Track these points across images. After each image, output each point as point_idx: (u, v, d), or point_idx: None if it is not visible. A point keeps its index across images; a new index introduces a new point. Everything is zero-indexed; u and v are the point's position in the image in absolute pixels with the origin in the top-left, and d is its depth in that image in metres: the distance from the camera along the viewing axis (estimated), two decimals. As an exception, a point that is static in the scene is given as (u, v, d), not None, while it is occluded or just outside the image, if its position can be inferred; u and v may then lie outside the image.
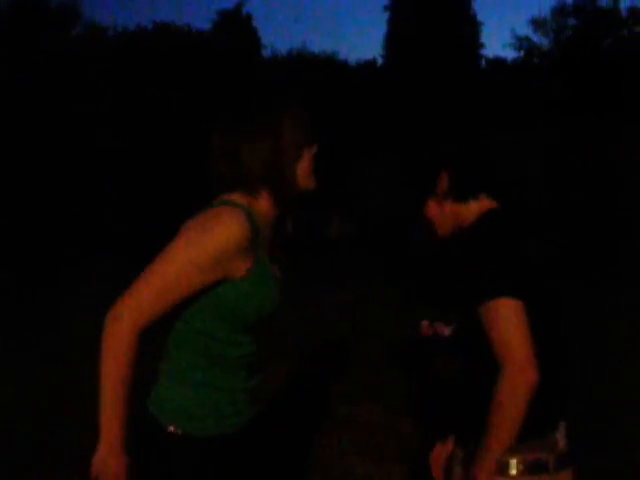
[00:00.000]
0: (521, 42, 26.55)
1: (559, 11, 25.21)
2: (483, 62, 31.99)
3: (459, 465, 2.06)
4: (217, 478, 1.90)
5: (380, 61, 30.17)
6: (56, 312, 7.57)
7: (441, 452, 2.19)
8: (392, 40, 30.58)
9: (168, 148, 14.14)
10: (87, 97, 14.64)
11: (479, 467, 1.86)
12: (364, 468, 4.18)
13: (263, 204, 1.91)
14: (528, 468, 1.83)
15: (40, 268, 10.03)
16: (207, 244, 1.74)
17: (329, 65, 23.79)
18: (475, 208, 2.02)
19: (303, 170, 1.93)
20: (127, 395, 1.79)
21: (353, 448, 4.44)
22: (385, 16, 31.51)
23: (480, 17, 31.73)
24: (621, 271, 8.91)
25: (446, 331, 2.47)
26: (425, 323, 2.52)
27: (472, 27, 31.81)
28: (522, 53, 26.77)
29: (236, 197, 1.88)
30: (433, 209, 2.08)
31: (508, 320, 1.76)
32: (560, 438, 1.90)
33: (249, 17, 23.37)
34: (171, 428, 1.87)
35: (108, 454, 1.80)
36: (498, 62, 31.01)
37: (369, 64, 29.86)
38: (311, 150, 1.96)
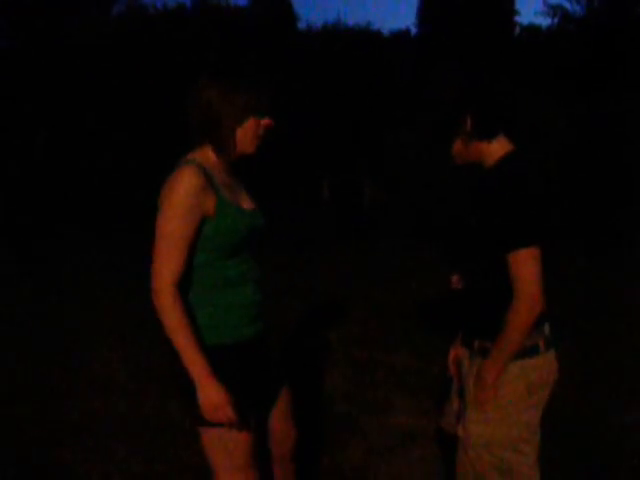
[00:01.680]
0: (554, 10, 26.33)
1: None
2: (517, 29, 31.77)
3: (466, 359, 2.63)
4: (236, 381, 2.40)
5: (414, 30, 30.21)
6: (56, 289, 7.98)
7: (454, 353, 2.79)
8: (425, 8, 30.53)
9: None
10: (129, 74, 15.12)
11: (490, 370, 2.43)
12: (398, 401, 4.75)
13: (211, 155, 2.42)
14: (524, 353, 2.40)
15: (38, 244, 10.33)
16: (176, 200, 2.23)
17: (363, 36, 23.99)
18: (496, 148, 2.46)
19: (243, 134, 2.39)
20: (196, 340, 2.30)
21: (388, 385, 5.01)
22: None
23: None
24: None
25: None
26: (455, 277, 2.92)
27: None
28: (555, 20, 26.55)
29: (193, 155, 2.41)
30: (458, 147, 2.49)
31: (531, 265, 2.29)
32: (546, 328, 2.49)
33: (284, -10, 23.73)
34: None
35: (206, 391, 2.30)
36: (533, 29, 30.78)
37: (402, 34, 29.89)
38: (260, 121, 2.40)
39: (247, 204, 2.51)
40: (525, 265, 2.29)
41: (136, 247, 9.35)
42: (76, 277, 8.50)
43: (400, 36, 29.49)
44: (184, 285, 2.34)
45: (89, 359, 5.54)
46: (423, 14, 29.99)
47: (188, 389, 2.33)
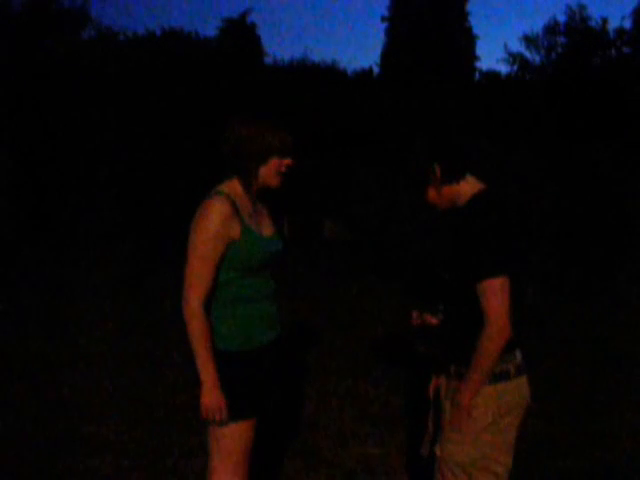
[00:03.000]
0: (514, 58, 27.19)
1: (550, 29, 25.97)
2: (477, 75, 32.59)
3: (444, 384, 2.83)
4: (244, 385, 2.74)
5: (377, 70, 30.76)
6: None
7: (434, 381, 2.96)
8: (389, 50, 31.17)
9: (172, 151, 14.62)
10: (96, 99, 15.13)
11: (464, 393, 2.62)
12: (362, 431, 4.87)
13: (238, 187, 2.77)
14: (496, 377, 2.60)
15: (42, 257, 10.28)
16: (205, 228, 2.62)
17: (328, 74, 24.36)
18: (467, 188, 2.71)
19: (266, 172, 2.74)
20: (210, 348, 2.66)
21: (351, 415, 5.12)
22: (384, 26, 32.18)
23: (475, 30, 32.40)
24: (618, 289, 9.24)
25: (433, 320, 2.87)
26: (415, 313, 3.08)
27: (467, 40, 32.42)
28: (515, 68, 27.40)
29: (223, 186, 2.77)
30: (432, 194, 2.76)
31: (499, 294, 2.50)
32: (517, 354, 2.69)
33: (253, 26, 24.07)
34: (217, 347, 2.71)
35: (209, 392, 2.65)
36: (492, 75, 31.58)
37: (366, 73, 30.36)
38: (283, 161, 2.76)
39: (268, 231, 2.85)
40: (493, 294, 2.49)
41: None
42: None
43: (363, 75, 29.95)
44: (209, 298, 2.68)
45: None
46: (387, 55, 30.66)
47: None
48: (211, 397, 2.64)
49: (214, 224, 2.60)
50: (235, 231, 2.64)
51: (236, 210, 2.66)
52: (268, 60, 25.47)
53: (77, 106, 14.07)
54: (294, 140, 2.76)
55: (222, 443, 2.75)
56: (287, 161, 2.76)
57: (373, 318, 7.67)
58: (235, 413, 2.71)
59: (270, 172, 2.74)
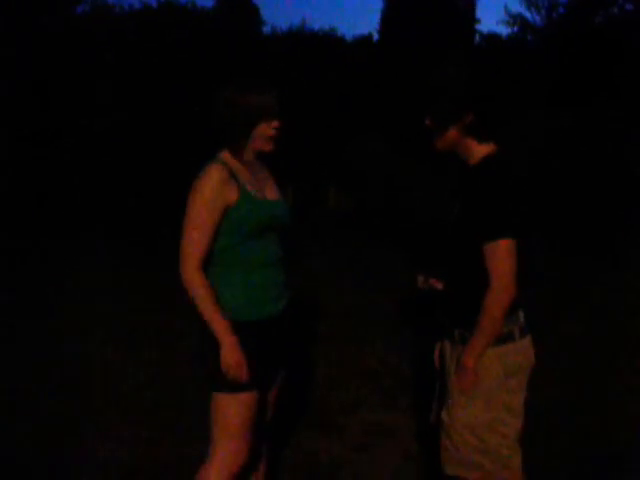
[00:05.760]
0: (514, 19, 26.86)
1: (551, -12, 25.63)
2: (477, 37, 32.19)
3: (448, 350, 2.82)
4: (250, 356, 2.70)
5: (376, 36, 30.44)
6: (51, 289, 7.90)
7: (439, 347, 2.96)
8: (388, 15, 30.79)
9: (170, 125, 14.55)
10: (93, 74, 15.03)
11: (469, 356, 2.61)
12: (371, 398, 4.88)
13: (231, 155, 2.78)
14: (501, 339, 2.60)
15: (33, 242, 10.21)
16: (200, 197, 2.63)
17: (327, 42, 24.17)
18: (484, 149, 2.65)
19: (256, 137, 2.75)
20: (218, 306, 2.65)
21: (361, 382, 5.13)
22: (382, -9, 31.73)
23: (474, -8, 31.89)
24: (621, 255, 9.18)
25: (439, 285, 2.89)
26: (420, 278, 3.07)
27: (467, 1, 31.97)
28: (515, 29, 27.08)
29: (219, 154, 2.78)
30: (452, 135, 2.64)
31: (506, 256, 2.49)
32: (521, 315, 2.69)
33: (250, -5, 23.81)
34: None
35: (228, 351, 2.65)
36: (493, 38, 31.20)
37: (365, 39, 30.10)
38: (270, 124, 2.75)
39: (272, 195, 2.85)
40: (500, 255, 2.48)
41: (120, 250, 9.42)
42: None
43: (362, 41, 29.68)
44: (209, 267, 2.70)
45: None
46: (386, 20, 30.29)
47: (206, 354, 2.70)
48: (232, 355, 2.63)
49: (208, 191, 2.61)
50: (232, 195, 2.64)
51: (233, 175, 2.67)
52: (266, 29, 25.36)
53: (74, 83, 13.97)
54: (280, 100, 2.74)
55: (224, 414, 2.74)
56: (275, 124, 2.76)
57: (379, 285, 7.66)
58: (237, 384, 2.70)
59: (259, 137, 2.75)
